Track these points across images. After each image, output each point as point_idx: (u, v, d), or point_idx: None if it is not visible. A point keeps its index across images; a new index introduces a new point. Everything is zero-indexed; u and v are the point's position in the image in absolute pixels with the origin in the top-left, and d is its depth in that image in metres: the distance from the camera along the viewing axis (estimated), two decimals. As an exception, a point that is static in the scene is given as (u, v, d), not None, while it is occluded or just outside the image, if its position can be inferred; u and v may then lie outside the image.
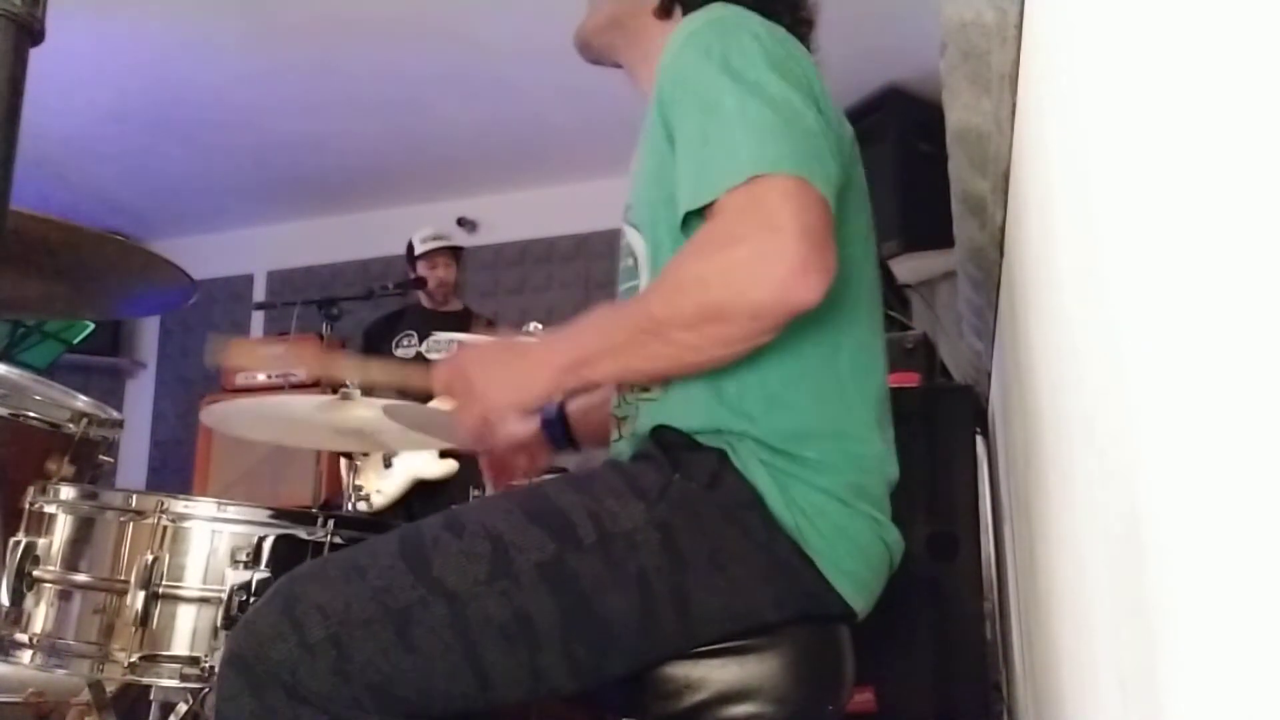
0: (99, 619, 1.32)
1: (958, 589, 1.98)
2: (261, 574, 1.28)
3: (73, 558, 1.36)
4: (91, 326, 3.29)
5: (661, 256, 1.08)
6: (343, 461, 3.01)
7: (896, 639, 1.91)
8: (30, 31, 0.73)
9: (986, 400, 2.28)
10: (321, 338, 3.41)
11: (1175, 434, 0.47)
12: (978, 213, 1.46)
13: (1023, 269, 1.17)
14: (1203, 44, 0.43)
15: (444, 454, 3.49)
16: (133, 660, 1.28)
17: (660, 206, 1.07)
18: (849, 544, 1.00)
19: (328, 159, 5.00)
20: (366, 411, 1.61)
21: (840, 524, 0.99)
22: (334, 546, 1.33)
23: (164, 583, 1.30)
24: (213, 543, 1.33)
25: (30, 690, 1.76)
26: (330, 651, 0.89)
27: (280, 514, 1.35)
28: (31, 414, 1.64)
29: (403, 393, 1.62)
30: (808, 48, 1.14)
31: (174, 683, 1.30)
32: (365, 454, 3.34)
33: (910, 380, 2.29)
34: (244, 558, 1.30)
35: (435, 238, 4.07)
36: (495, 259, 5.30)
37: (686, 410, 1.02)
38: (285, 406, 1.82)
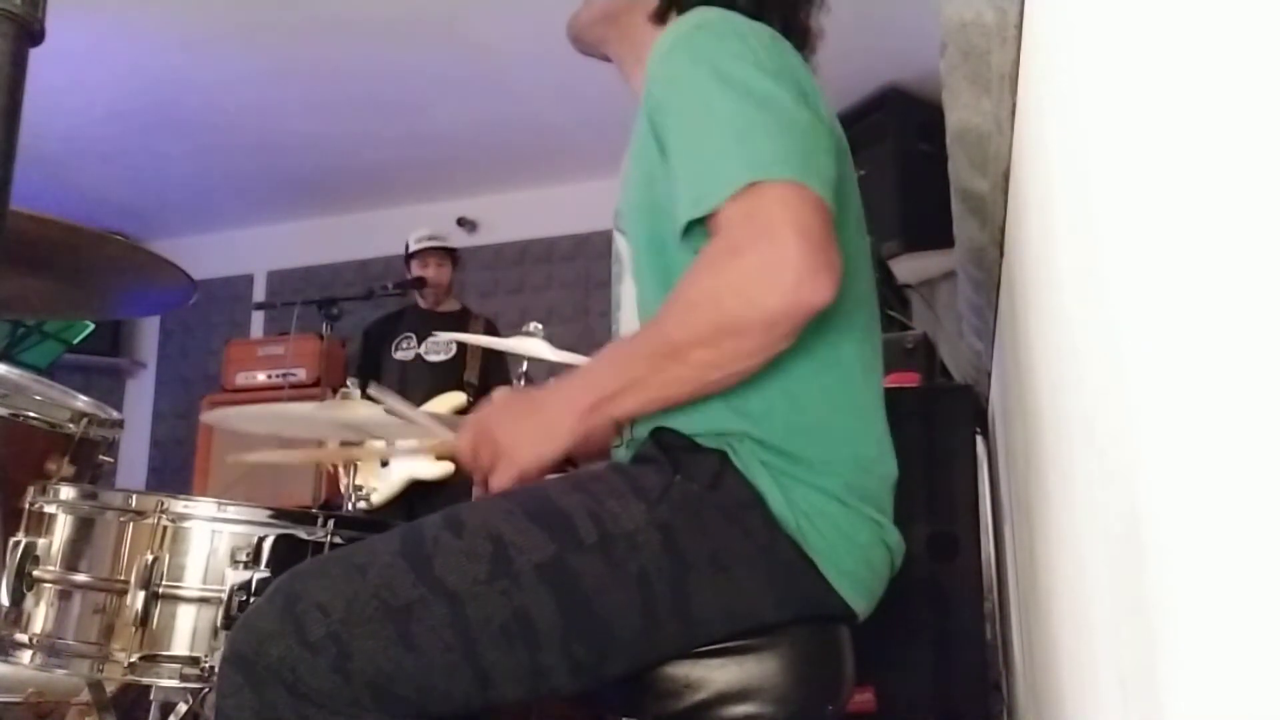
0: (99, 619, 1.32)
1: (958, 589, 1.98)
2: (261, 574, 1.28)
3: (73, 558, 1.36)
4: (91, 326, 3.29)
5: (643, 262, 1.08)
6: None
7: (896, 639, 1.91)
8: (30, 31, 0.73)
9: (986, 400, 2.28)
10: (321, 337, 3.41)
11: (1175, 434, 0.47)
12: (978, 213, 1.46)
13: (1023, 269, 1.17)
14: (1202, 44, 0.43)
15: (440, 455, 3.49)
16: (133, 660, 1.28)
17: (644, 212, 1.06)
18: (850, 545, 1.00)
19: (327, 159, 5.00)
20: (367, 411, 1.61)
21: (841, 525, 0.99)
22: (334, 546, 1.33)
23: (164, 583, 1.30)
24: (213, 543, 1.33)
25: (30, 690, 1.76)
26: (330, 649, 0.89)
27: (280, 514, 1.35)
28: (31, 414, 1.64)
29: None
30: (803, 52, 1.13)
31: (174, 683, 1.30)
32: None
33: (910, 380, 2.29)
34: (244, 558, 1.30)
35: (429, 237, 4.07)
36: (495, 259, 5.31)
37: (687, 412, 1.02)
38: (285, 407, 1.82)
